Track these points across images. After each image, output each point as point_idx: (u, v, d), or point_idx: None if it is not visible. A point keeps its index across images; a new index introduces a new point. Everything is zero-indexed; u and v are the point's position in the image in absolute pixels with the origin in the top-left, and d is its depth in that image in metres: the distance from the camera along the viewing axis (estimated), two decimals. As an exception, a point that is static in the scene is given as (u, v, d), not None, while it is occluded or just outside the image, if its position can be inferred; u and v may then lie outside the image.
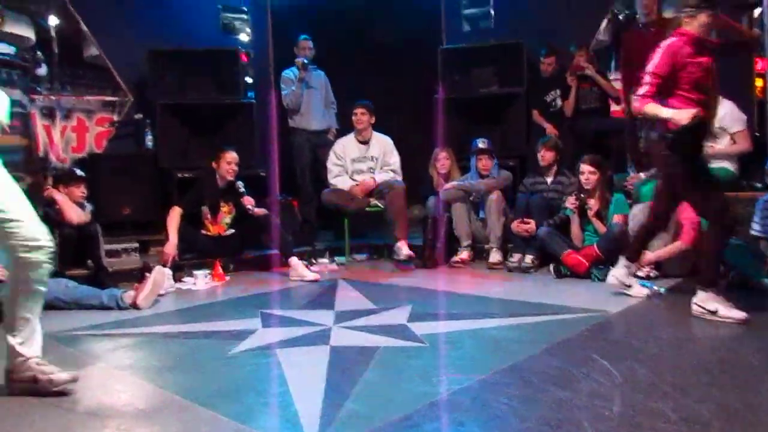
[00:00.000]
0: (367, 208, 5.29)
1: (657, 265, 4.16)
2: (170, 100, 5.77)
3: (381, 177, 5.34)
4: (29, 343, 2.31)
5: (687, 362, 2.45)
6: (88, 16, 5.83)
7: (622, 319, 3.24)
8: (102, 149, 6.01)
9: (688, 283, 3.94)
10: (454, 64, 6.24)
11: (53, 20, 5.69)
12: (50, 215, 4.27)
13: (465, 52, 6.35)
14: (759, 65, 5.01)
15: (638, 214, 4.27)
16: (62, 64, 5.79)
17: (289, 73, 6.01)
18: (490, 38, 6.30)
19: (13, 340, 2.29)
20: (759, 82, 5.08)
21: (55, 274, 4.03)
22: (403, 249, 4.96)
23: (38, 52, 5.57)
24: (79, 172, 4.67)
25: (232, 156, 4.94)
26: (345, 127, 5.98)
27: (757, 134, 4.66)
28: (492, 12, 6.65)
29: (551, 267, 4.44)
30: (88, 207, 4.48)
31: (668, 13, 5.71)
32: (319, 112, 6.10)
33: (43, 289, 2.31)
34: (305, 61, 5.91)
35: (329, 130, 6.22)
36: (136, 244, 4.98)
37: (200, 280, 4.51)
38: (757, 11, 4.83)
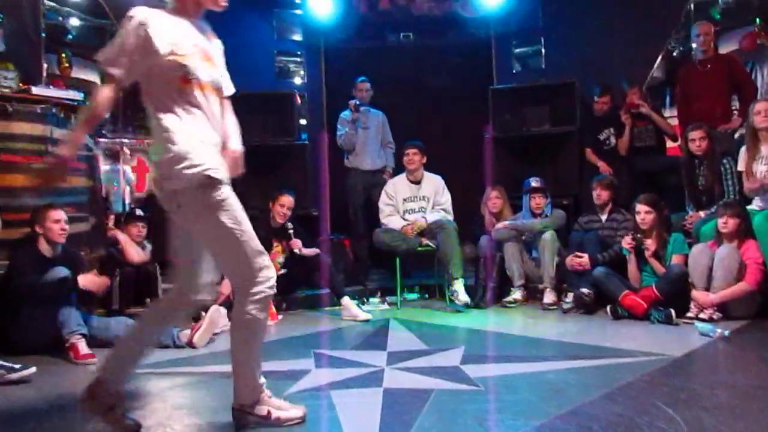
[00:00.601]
0: (418, 248, 5.28)
1: (721, 306, 4.00)
2: (227, 141, 5.93)
3: (432, 216, 5.33)
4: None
5: (758, 412, 2.33)
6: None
7: (685, 363, 3.11)
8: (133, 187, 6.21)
9: (753, 325, 3.80)
10: (505, 104, 6.25)
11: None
12: (113, 255, 4.44)
13: (516, 91, 6.37)
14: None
15: (698, 254, 4.14)
16: (126, 107, 6.07)
17: (347, 114, 6.13)
18: (541, 77, 6.31)
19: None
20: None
21: (115, 313, 4.20)
22: (460, 294, 4.86)
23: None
24: (138, 212, 4.84)
25: (286, 199, 5.03)
26: (401, 166, 6.03)
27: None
28: (543, 50, 6.69)
29: (608, 308, 4.33)
30: (148, 247, 4.63)
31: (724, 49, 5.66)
32: (373, 152, 6.17)
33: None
34: (357, 102, 6.02)
35: (385, 170, 6.26)
36: (192, 283, 5.07)
37: (254, 319, 4.55)
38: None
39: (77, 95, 4.49)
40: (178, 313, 2.49)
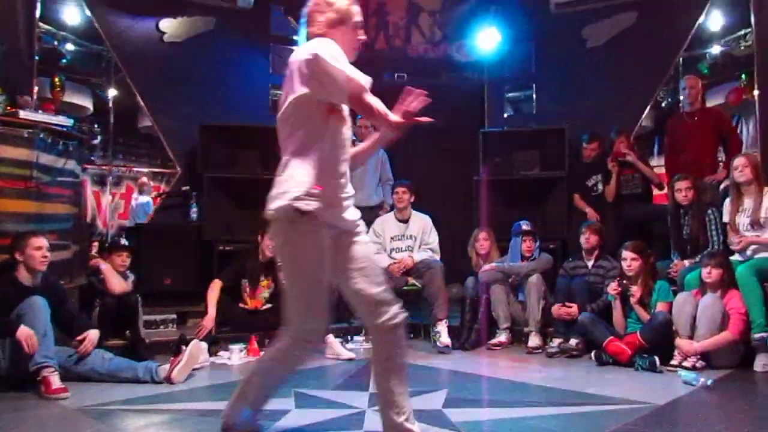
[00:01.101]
0: (404, 287, 5.25)
1: (704, 355, 4.00)
2: (218, 173, 5.93)
3: (419, 256, 5.33)
4: (412, 420, 2.29)
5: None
6: (145, 89, 6.15)
7: (668, 412, 3.09)
8: (148, 219, 6.18)
9: (736, 375, 3.80)
10: (496, 147, 6.31)
11: (112, 92, 6.03)
12: (94, 284, 4.38)
13: (506, 135, 6.44)
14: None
15: (683, 303, 4.16)
16: (116, 133, 6.09)
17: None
18: (532, 122, 6.39)
19: (398, 419, 2.26)
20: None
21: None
22: (443, 335, 4.86)
23: (95, 124, 5.90)
24: (123, 241, 4.79)
25: None
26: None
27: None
28: (534, 96, 6.80)
29: (593, 354, 4.31)
30: (131, 277, 4.57)
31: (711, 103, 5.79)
32: (371, 189, 6.13)
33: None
34: (354, 138, 6.03)
35: (382, 206, 6.25)
36: (174, 316, 5.03)
37: (235, 355, 4.49)
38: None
39: (66, 121, 4.47)
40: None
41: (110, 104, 6.08)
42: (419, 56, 7.09)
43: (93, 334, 3.77)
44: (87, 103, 6.36)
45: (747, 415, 2.98)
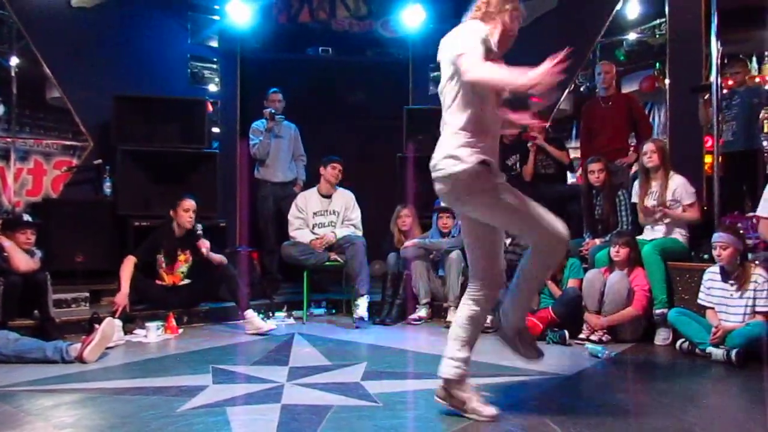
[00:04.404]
0: (326, 263, 5.26)
1: (610, 329, 4.22)
2: (133, 146, 5.72)
3: (341, 232, 5.34)
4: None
5: (635, 429, 2.46)
6: (52, 58, 5.81)
7: (575, 382, 3.26)
8: (58, 194, 5.89)
9: (638, 348, 4.04)
10: (420, 124, 6.36)
11: (14, 60, 5.66)
12: (-2, 262, 4.14)
13: (431, 112, 6.46)
14: (708, 143, 5.24)
15: (592, 279, 4.36)
16: (22, 105, 5.73)
17: (259, 124, 6.06)
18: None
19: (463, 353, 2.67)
20: (708, 159, 5.30)
21: (-3, 324, 3.91)
22: (360, 308, 4.91)
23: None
24: (26, 217, 4.56)
25: (189, 203, 4.90)
26: (312, 179, 5.99)
27: (705, 208, 4.84)
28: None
29: (508, 328, 4.45)
30: (38, 254, 4.34)
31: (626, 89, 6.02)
32: (285, 164, 6.14)
33: None
34: (273, 111, 5.97)
35: (296, 183, 6.23)
36: (87, 294, 4.85)
37: (152, 333, 4.39)
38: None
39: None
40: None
41: (12, 73, 5.71)
42: (344, 31, 7.03)
43: None
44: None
45: (645, 384, 3.20)
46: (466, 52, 2.41)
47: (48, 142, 5.94)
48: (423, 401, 2.83)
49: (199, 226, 4.95)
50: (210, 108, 6.13)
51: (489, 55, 2.50)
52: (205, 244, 4.88)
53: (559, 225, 2.52)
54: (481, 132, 2.51)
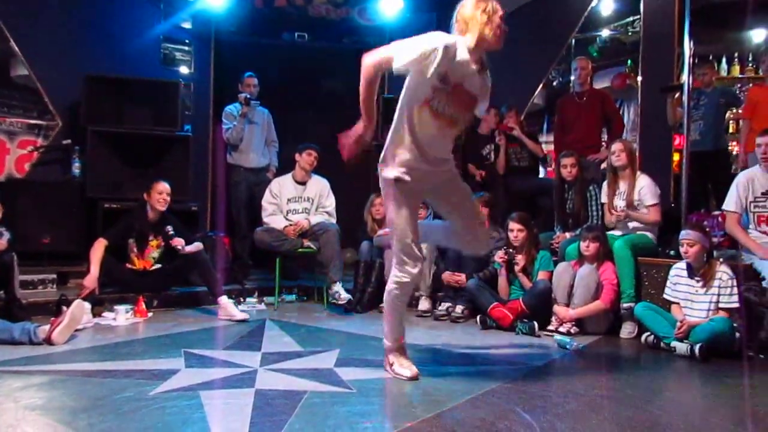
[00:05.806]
0: (299, 250, 5.26)
1: (578, 321, 4.31)
2: (103, 127, 5.62)
3: (315, 219, 5.34)
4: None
5: (601, 419, 2.52)
6: (20, 35, 5.66)
7: (543, 372, 3.32)
8: (24, 174, 5.76)
9: (605, 341, 4.14)
10: (392, 113, 6.35)
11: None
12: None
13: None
14: (677, 141, 5.36)
15: (562, 272, 4.44)
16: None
17: (232, 109, 5.99)
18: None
19: None
20: (676, 157, 5.43)
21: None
22: (342, 293, 4.98)
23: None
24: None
25: (163, 186, 4.84)
26: (285, 166, 5.97)
27: (672, 205, 4.95)
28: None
29: (478, 318, 4.52)
30: (6, 235, 4.24)
31: (598, 86, 6.10)
32: (258, 150, 6.09)
33: None
34: (248, 96, 5.91)
35: (269, 168, 6.20)
36: (54, 276, 4.77)
37: (121, 316, 4.34)
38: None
39: None
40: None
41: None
42: (321, 17, 6.98)
43: None
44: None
45: (611, 376, 3.28)
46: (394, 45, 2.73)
47: (12, 121, 5.80)
48: (395, 387, 2.87)
49: (170, 228, 4.86)
50: (184, 91, 6.04)
51: (444, 61, 2.81)
52: (179, 242, 4.81)
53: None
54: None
